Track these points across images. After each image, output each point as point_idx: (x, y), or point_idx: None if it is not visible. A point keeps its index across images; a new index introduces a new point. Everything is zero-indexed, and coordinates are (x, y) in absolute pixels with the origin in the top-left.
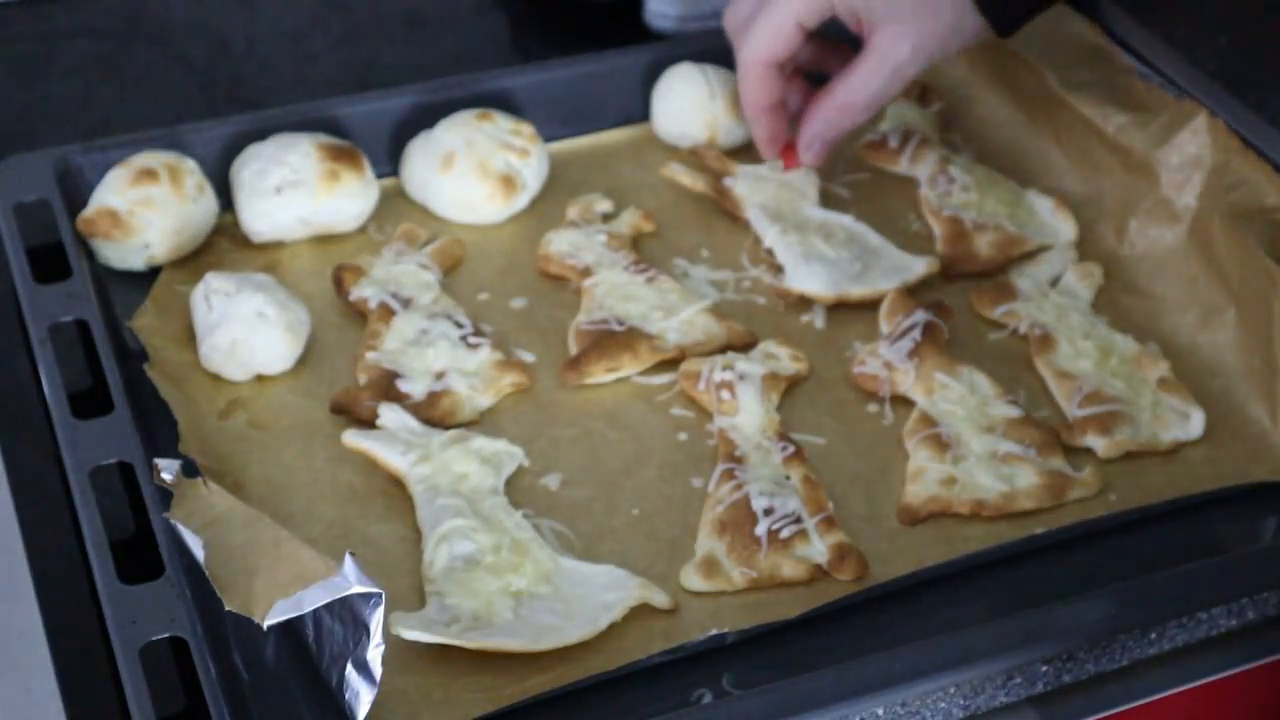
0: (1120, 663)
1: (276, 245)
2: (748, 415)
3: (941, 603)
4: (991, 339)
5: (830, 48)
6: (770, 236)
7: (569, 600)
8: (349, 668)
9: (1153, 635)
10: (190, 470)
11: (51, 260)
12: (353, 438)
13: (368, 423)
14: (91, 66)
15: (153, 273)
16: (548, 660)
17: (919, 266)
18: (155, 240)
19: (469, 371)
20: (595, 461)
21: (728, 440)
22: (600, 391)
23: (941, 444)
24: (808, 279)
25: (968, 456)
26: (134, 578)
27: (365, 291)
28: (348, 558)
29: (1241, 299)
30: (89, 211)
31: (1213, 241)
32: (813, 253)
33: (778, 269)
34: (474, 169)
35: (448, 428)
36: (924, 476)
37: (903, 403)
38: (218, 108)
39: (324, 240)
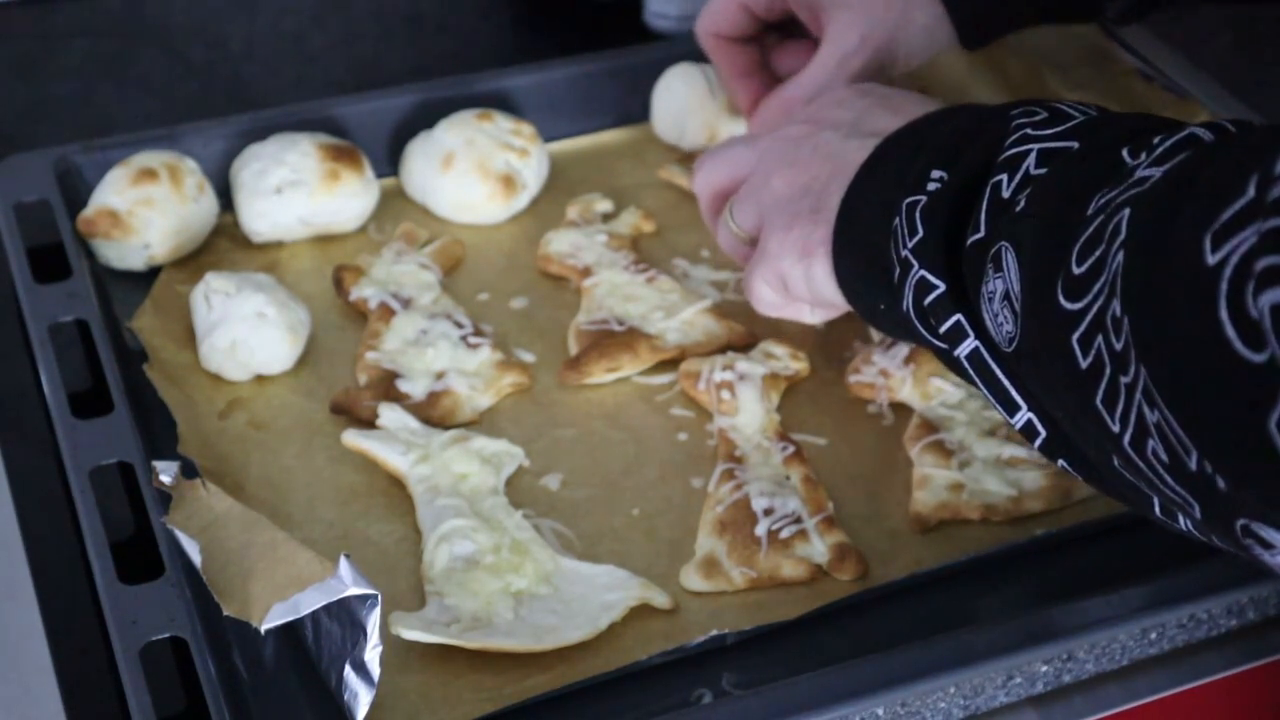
0: (1120, 663)
1: (276, 245)
2: (748, 415)
3: (941, 603)
4: None
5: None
6: None
7: (569, 600)
8: (347, 669)
9: (1153, 635)
10: (189, 471)
11: (51, 260)
12: (353, 438)
13: (368, 423)
14: (91, 66)
15: (153, 273)
16: (548, 660)
17: None
18: (155, 240)
19: (469, 371)
20: (595, 461)
21: (728, 440)
22: (600, 391)
23: (945, 450)
24: None
25: (973, 462)
26: (134, 578)
27: (365, 291)
28: (343, 559)
29: None
30: (89, 211)
31: None
32: None
33: None
34: (474, 169)
35: (448, 428)
36: (931, 484)
37: (902, 405)
38: (218, 108)
39: (324, 240)
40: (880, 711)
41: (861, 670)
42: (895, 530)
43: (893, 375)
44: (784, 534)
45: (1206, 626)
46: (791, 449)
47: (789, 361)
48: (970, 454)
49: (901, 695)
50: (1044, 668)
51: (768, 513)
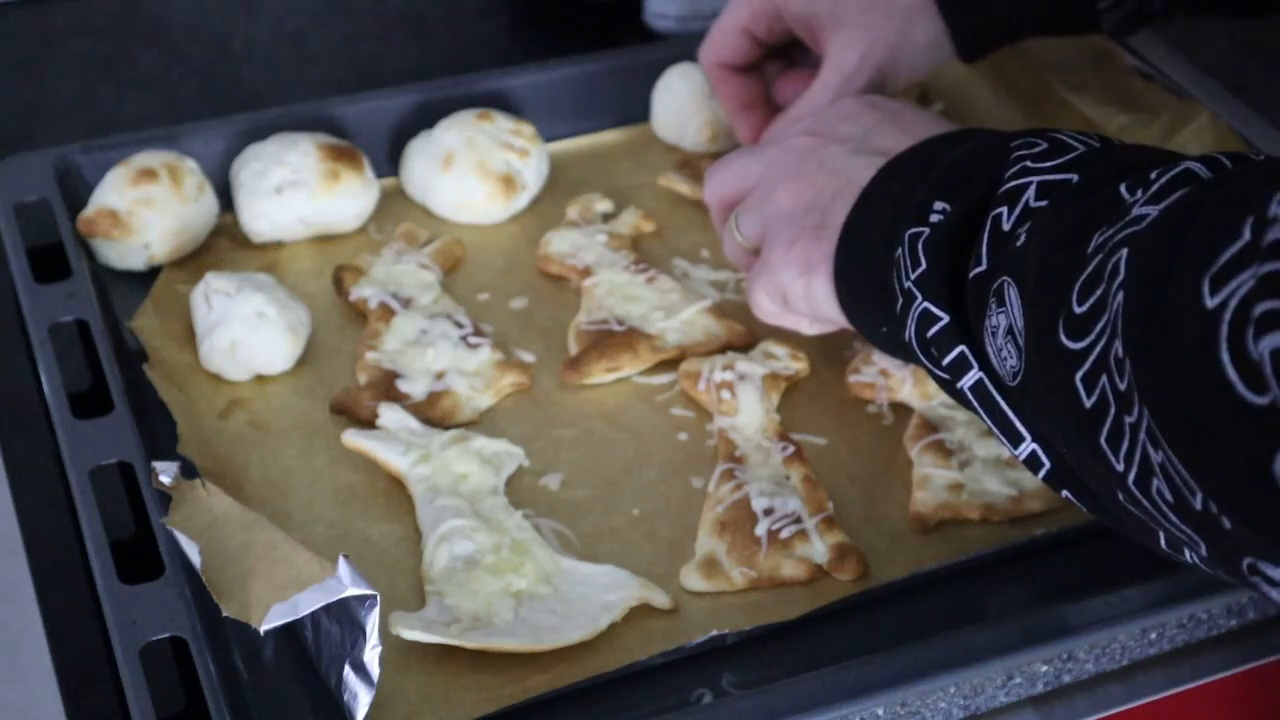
0: (1120, 663)
1: (276, 245)
2: (748, 415)
3: (941, 603)
4: None
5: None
6: None
7: (569, 600)
8: (347, 669)
9: (1153, 635)
10: (189, 471)
11: (51, 260)
12: (353, 438)
13: (368, 423)
14: (91, 66)
15: (153, 273)
16: (548, 660)
17: None
18: (155, 240)
19: (469, 371)
20: (595, 461)
21: (728, 440)
22: (600, 391)
23: (945, 450)
24: None
25: (973, 462)
26: (134, 578)
27: (365, 291)
28: (342, 560)
29: None
30: (89, 211)
31: None
32: None
33: None
34: (474, 169)
35: (448, 428)
36: (931, 483)
37: (902, 405)
38: (218, 108)
39: (324, 240)
40: (880, 711)
41: (861, 670)
42: (895, 530)
43: (893, 375)
44: (784, 534)
45: (1206, 626)
46: (791, 449)
47: (789, 361)
48: (970, 454)
49: (901, 695)
50: (1044, 668)
51: (768, 513)
